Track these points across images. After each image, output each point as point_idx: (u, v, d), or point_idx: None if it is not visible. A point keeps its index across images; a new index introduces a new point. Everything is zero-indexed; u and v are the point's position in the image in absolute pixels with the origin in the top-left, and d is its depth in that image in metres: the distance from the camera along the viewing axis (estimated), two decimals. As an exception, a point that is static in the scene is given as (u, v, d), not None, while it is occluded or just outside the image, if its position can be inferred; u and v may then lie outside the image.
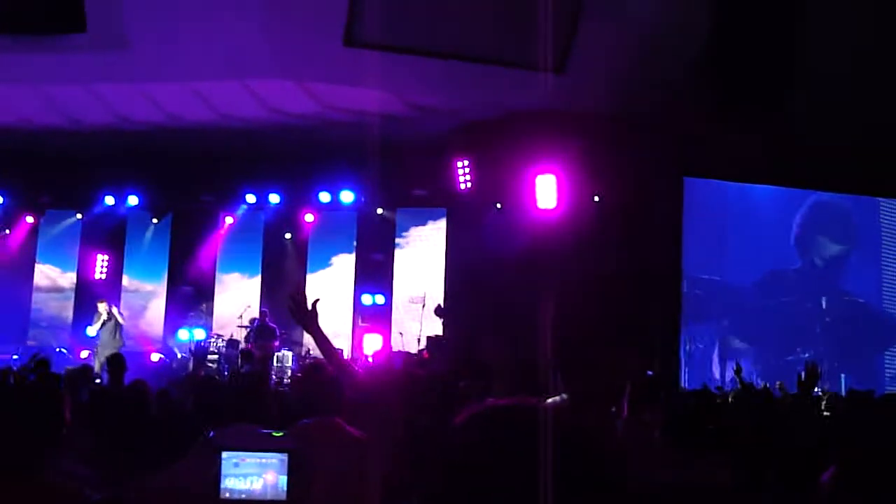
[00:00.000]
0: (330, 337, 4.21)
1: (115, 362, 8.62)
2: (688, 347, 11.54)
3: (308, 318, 4.00)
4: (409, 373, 4.93)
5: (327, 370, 6.02)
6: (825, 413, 7.19)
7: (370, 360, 13.21)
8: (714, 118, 11.37)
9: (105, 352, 14.32)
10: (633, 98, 11.37)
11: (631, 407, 4.15)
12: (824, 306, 12.05)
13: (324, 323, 4.10)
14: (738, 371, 9.00)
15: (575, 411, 1.58)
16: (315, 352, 14.76)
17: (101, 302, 14.88)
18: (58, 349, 15.46)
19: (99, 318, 14.71)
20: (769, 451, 4.49)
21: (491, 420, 1.37)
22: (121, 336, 14.71)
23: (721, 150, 12.38)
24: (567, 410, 1.45)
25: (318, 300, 4.06)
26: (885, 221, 13.40)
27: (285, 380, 13.52)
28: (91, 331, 14.82)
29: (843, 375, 11.55)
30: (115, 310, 14.86)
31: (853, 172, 13.32)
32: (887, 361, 12.08)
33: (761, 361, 11.61)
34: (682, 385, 11.89)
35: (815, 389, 6.65)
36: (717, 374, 11.64)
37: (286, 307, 4.07)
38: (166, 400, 5.61)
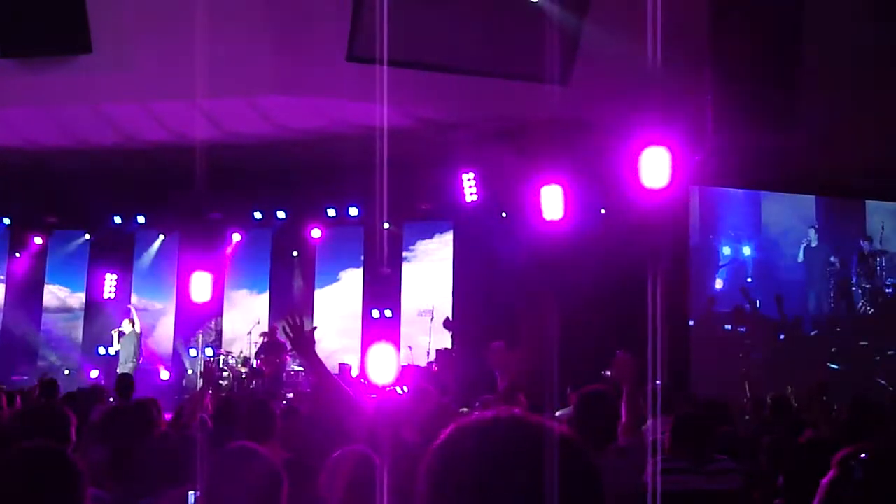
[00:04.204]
0: (338, 352, 4.16)
1: (124, 382, 8.66)
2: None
3: (304, 345, 3.81)
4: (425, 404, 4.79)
5: (339, 387, 6.00)
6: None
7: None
8: (720, 125, 11.34)
9: (125, 367, 14.51)
10: (637, 107, 11.36)
11: (630, 411, 4.12)
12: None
13: (334, 340, 4.03)
14: (745, 377, 8.96)
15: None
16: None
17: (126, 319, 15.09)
18: (66, 372, 15.54)
19: (118, 333, 14.89)
20: (780, 457, 4.47)
21: (471, 435, 1.31)
22: (138, 350, 14.80)
23: (728, 157, 12.36)
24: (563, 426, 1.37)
25: (315, 328, 3.92)
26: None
27: (290, 395, 13.48)
28: (112, 351, 14.96)
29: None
30: (133, 313, 15.03)
31: (861, 177, 13.33)
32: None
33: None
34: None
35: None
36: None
37: (282, 328, 3.92)
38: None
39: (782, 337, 14.20)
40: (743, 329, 14.23)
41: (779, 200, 14.63)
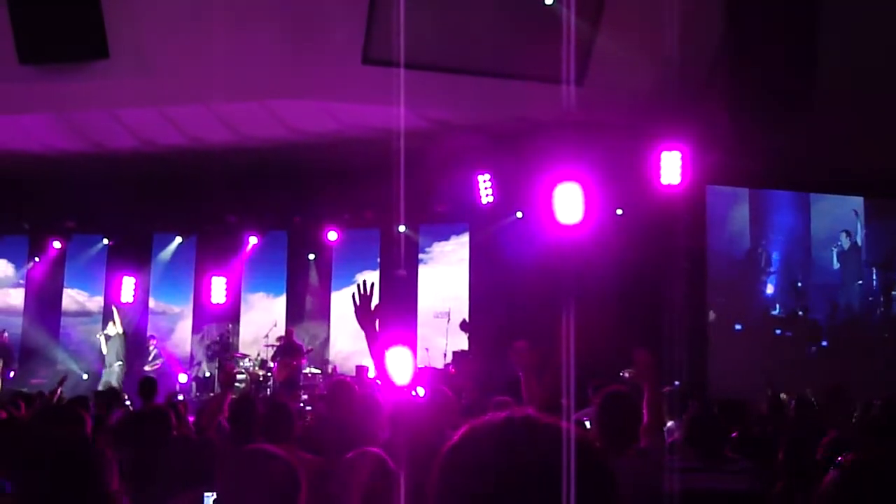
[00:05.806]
0: (355, 354, 4.15)
1: (147, 385, 8.68)
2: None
3: (368, 317, 3.74)
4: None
5: (355, 389, 6.00)
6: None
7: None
8: (736, 124, 11.29)
9: (111, 371, 14.69)
10: (652, 107, 11.33)
11: (652, 412, 4.10)
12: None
13: (350, 342, 4.00)
14: (768, 382, 8.89)
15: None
16: (341, 369, 14.81)
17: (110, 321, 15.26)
18: (85, 375, 15.67)
19: (104, 336, 15.11)
20: (795, 459, 4.44)
21: (484, 436, 1.31)
22: (123, 352, 14.95)
23: (744, 156, 12.29)
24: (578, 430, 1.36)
25: (379, 303, 3.81)
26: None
27: (305, 396, 13.50)
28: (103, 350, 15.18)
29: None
30: (115, 314, 15.14)
31: (878, 176, 13.21)
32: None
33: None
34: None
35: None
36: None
37: (351, 296, 3.64)
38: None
39: (825, 344, 14.03)
40: (790, 334, 14.13)
41: (828, 202, 14.42)
